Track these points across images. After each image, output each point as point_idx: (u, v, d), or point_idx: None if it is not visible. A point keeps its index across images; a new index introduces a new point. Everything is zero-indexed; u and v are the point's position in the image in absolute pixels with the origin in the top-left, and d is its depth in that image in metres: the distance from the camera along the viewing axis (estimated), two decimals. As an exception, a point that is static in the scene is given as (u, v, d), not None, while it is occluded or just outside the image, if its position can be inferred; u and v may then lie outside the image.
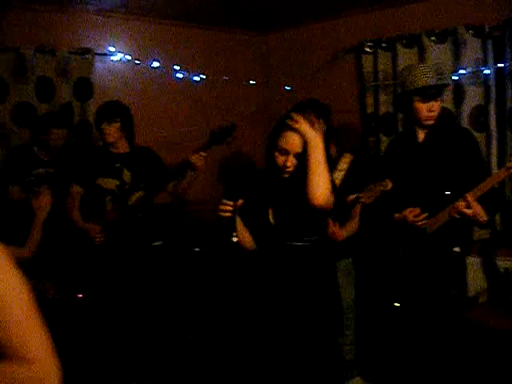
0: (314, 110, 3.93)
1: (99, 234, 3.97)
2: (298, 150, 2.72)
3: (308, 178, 2.68)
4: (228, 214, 2.69)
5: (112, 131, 4.03)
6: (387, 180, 3.51)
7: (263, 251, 2.91)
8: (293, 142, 2.73)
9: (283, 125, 2.76)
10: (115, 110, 4.06)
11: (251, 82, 5.87)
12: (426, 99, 3.48)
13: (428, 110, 3.50)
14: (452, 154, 3.52)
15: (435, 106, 3.50)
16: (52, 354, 1.41)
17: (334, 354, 3.92)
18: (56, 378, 1.39)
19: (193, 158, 3.83)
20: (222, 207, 2.72)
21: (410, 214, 3.57)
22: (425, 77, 3.46)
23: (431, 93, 3.47)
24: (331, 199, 2.75)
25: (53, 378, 1.39)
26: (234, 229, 2.69)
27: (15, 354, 1.37)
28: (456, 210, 3.31)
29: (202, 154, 3.85)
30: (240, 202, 2.71)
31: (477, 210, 3.27)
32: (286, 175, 2.78)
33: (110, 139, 4.04)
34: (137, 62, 5.15)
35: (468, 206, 3.27)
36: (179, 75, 5.37)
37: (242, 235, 2.87)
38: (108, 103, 4.12)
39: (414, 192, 3.63)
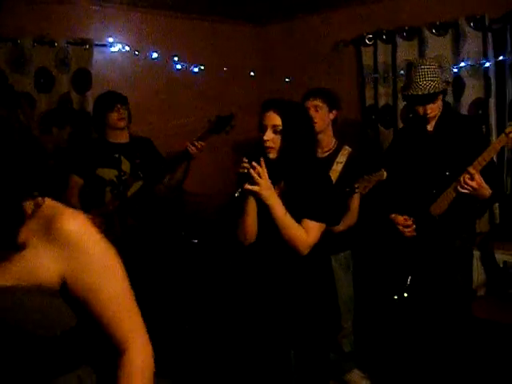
0: (326, 99, 3.94)
1: (98, 224, 3.96)
2: (275, 122, 2.71)
3: (282, 235, 2.72)
4: (243, 170, 2.67)
5: (125, 115, 4.05)
6: (383, 170, 3.54)
7: (259, 242, 2.89)
8: (268, 116, 2.74)
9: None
10: (123, 97, 4.10)
11: (251, 73, 5.85)
12: (421, 104, 3.57)
13: (424, 111, 3.59)
14: (461, 141, 3.58)
15: (431, 108, 3.58)
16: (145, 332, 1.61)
17: (332, 347, 3.93)
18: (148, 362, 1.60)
19: (191, 147, 3.83)
20: (241, 164, 2.70)
21: (401, 221, 3.67)
22: (420, 85, 3.51)
23: (425, 99, 3.54)
24: (312, 240, 2.77)
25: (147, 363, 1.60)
26: (242, 186, 2.67)
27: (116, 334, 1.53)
28: (460, 184, 3.37)
29: (201, 143, 3.84)
30: (254, 163, 2.67)
31: (479, 181, 3.34)
32: (271, 155, 2.74)
33: (123, 124, 4.06)
34: (136, 52, 5.13)
35: (471, 178, 3.33)
36: (178, 66, 5.35)
37: (250, 220, 2.84)
38: (112, 91, 4.13)
39: (422, 181, 3.68)
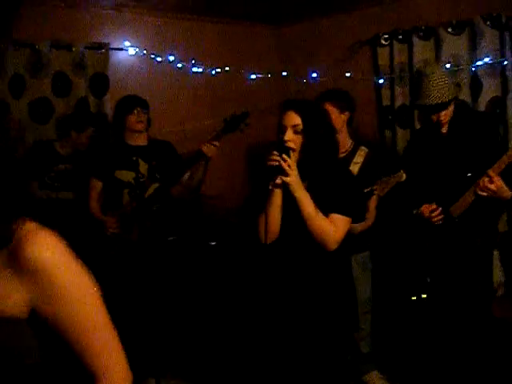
0: (335, 102, 3.95)
1: (114, 225, 3.99)
2: (295, 122, 2.71)
3: (310, 230, 2.70)
4: (273, 163, 2.65)
5: (144, 118, 4.08)
6: (402, 171, 3.54)
7: (281, 240, 2.88)
8: (288, 116, 2.73)
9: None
10: (143, 100, 4.16)
11: (268, 75, 5.85)
12: (435, 112, 3.58)
13: (438, 118, 3.60)
14: (475, 140, 3.57)
15: (442, 115, 3.57)
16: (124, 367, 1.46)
17: (350, 349, 3.92)
18: None
19: (204, 147, 3.84)
20: (271, 157, 2.67)
21: (426, 209, 3.61)
22: (432, 94, 3.49)
23: (438, 107, 3.54)
24: (340, 234, 2.75)
25: None
26: (272, 180, 2.67)
27: (90, 368, 1.39)
28: (480, 187, 3.35)
29: (215, 143, 3.85)
30: (285, 156, 2.65)
31: (499, 184, 3.32)
32: (294, 153, 2.71)
33: (140, 127, 4.12)
34: (152, 56, 5.15)
35: (491, 181, 3.32)
36: (195, 69, 5.36)
37: (275, 216, 2.81)
38: (133, 95, 4.16)
39: (441, 183, 3.67)
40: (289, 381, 2.97)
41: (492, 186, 3.31)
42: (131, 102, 4.10)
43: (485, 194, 3.36)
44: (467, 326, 3.61)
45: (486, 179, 3.33)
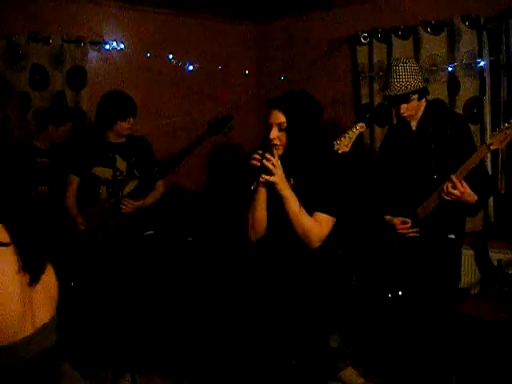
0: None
1: (82, 222, 3.98)
2: (279, 120, 2.69)
3: (295, 228, 2.71)
4: (256, 163, 2.65)
5: (132, 123, 4.04)
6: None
7: (267, 237, 2.89)
8: (273, 114, 2.72)
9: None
10: (135, 106, 4.06)
11: (246, 71, 5.84)
12: (394, 104, 3.62)
13: (397, 111, 3.63)
14: (445, 140, 3.56)
15: (404, 108, 3.57)
16: None
17: (325, 346, 3.94)
18: None
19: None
20: (253, 155, 2.67)
21: (401, 225, 3.66)
22: (391, 86, 3.53)
23: (397, 100, 3.56)
24: (324, 233, 2.77)
25: None
26: (256, 179, 2.67)
27: None
28: (444, 192, 3.36)
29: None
30: (268, 155, 2.65)
31: (462, 190, 3.31)
32: (278, 152, 2.71)
33: (127, 133, 4.05)
34: (131, 50, 5.11)
35: (454, 187, 3.31)
36: (173, 65, 5.33)
37: (261, 213, 2.82)
38: (127, 96, 4.05)
39: (410, 179, 3.67)
40: (269, 375, 2.99)
41: (456, 192, 3.31)
42: (127, 109, 4.00)
43: (448, 198, 3.36)
44: (440, 324, 3.64)
45: (450, 184, 3.32)
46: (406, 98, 3.53)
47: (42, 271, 1.64)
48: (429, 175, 3.57)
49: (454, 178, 3.31)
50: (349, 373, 4.21)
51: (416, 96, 3.55)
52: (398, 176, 3.74)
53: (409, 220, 3.64)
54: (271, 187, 2.70)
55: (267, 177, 2.63)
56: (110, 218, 3.92)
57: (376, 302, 4.21)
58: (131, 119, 4.00)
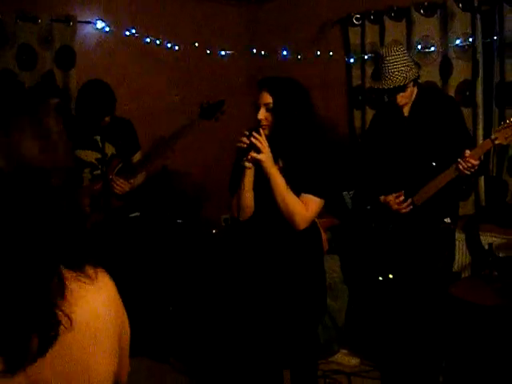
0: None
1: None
2: (266, 100, 2.75)
3: (280, 208, 2.75)
4: (243, 145, 2.71)
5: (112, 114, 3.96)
6: None
7: (254, 218, 2.90)
8: (261, 95, 2.78)
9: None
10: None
11: (235, 52, 5.80)
12: (391, 95, 3.58)
13: (395, 101, 3.59)
14: (437, 125, 3.57)
15: (401, 96, 3.56)
16: None
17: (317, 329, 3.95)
18: None
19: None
20: (242, 138, 2.73)
21: (395, 200, 3.65)
22: (387, 79, 3.49)
23: (394, 91, 3.53)
24: (310, 214, 2.79)
25: None
26: (246, 156, 2.71)
27: None
28: (464, 166, 3.35)
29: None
30: (255, 134, 2.71)
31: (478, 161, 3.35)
32: (265, 131, 2.76)
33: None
34: (120, 30, 5.05)
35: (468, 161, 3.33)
36: (163, 46, 5.27)
37: (248, 194, 2.84)
38: (98, 93, 3.90)
39: (402, 166, 3.67)
40: (260, 360, 3.00)
41: (472, 161, 3.31)
42: (104, 109, 3.84)
43: (468, 172, 3.36)
44: (432, 307, 3.66)
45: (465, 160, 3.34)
46: (403, 88, 3.51)
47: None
48: (425, 162, 3.57)
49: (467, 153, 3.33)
50: (343, 355, 4.25)
51: (411, 84, 3.54)
52: (390, 162, 3.73)
53: (401, 193, 3.63)
54: (258, 168, 2.73)
55: (254, 154, 2.68)
56: (100, 199, 3.87)
57: (368, 285, 4.22)
58: (107, 118, 3.92)
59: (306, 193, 2.77)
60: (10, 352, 1.12)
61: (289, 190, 2.73)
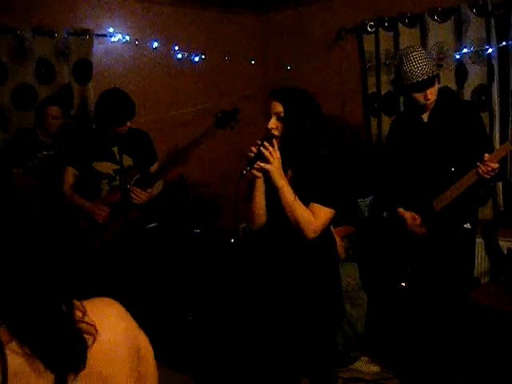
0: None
1: (104, 209, 3.92)
2: (277, 109, 2.74)
3: (289, 218, 2.72)
4: (251, 154, 2.68)
5: (131, 122, 3.98)
6: None
7: (268, 227, 2.90)
8: (272, 104, 2.77)
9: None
10: (133, 108, 3.97)
11: (252, 62, 5.82)
12: (421, 90, 3.52)
13: (424, 97, 3.53)
14: (457, 130, 3.55)
15: (431, 93, 3.52)
16: None
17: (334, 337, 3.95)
18: None
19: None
20: (252, 147, 2.70)
21: (411, 220, 3.68)
22: (416, 72, 3.45)
23: (424, 84, 3.48)
24: (320, 224, 2.76)
25: None
26: (251, 165, 2.67)
27: None
28: (484, 171, 3.33)
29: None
30: (267, 144, 2.67)
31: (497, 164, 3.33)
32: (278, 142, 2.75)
33: (124, 132, 3.99)
34: (136, 42, 5.10)
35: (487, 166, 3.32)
36: (179, 56, 5.32)
37: (259, 203, 2.85)
38: (125, 98, 3.92)
39: (422, 171, 3.66)
40: (276, 368, 2.99)
41: (493, 165, 3.29)
42: (123, 115, 3.86)
43: (487, 174, 3.35)
44: (448, 312, 3.64)
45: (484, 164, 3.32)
46: (432, 80, 3.49)
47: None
48: (445, 167, 3.56)
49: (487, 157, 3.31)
50: (363, 362, 4.23)
51: (437, 80, 3.54)
52: (410, 168, 3.72)
53: (418, 216, 3.63)
54: (268, 177, 2.72)
55: (262, 164, 2.65)
56: (119, 210, 3.89)
57: (388, 292, 4.21)
58: (128, 122, 3.94)
59: (314, 202, 2.76)
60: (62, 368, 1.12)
61: (297, 199, 2.70)
